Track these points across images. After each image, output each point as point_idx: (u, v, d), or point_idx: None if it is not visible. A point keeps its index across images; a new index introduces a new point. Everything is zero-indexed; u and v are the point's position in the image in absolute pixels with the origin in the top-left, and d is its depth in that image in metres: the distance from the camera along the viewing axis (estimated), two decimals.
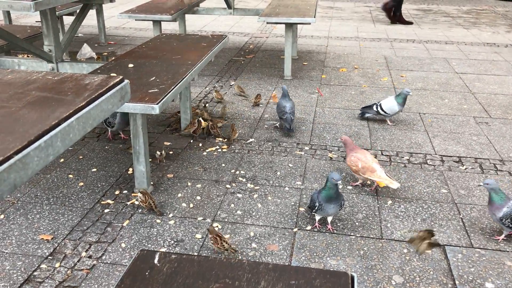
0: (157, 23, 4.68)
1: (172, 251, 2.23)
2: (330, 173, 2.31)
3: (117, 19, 7.03)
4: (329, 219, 2.42)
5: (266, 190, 2.76)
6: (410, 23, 7.66)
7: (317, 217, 2.42)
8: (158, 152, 3.04)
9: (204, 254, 2.24)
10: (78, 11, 4.38)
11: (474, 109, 4.05)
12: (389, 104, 3.59)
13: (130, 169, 2.96)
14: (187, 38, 3.82)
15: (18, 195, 2.69)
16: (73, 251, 2.23)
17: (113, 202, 2.63)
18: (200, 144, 3.32)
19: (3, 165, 0.79)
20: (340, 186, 2.32)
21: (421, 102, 4.18)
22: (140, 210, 2.55)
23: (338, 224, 2.47)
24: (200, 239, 2.32)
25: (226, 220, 2.48)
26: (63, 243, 2.28)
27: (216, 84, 4.61)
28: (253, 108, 4.01)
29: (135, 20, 4.77)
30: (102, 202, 2.62)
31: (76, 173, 2.93)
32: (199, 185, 2.80)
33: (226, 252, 2.23)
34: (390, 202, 2.66)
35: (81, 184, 2.80)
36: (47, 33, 3.39)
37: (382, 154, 3.22)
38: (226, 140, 3.37)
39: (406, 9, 8.78)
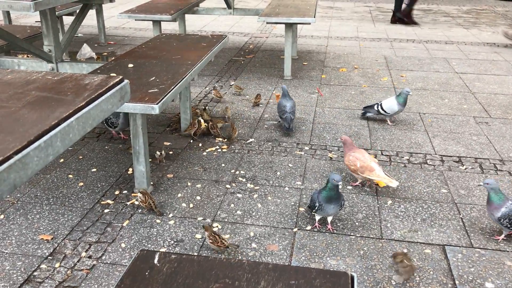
0: (157, 23, 4.68)
1: (172, 251, 2.23)
2: (331, 174, 2.31)
3: (117, 19, 7.03)
4: (329, 219, 2.42)
5: (266, 190, 2.76)
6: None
7: (317, 217, 2.42)
8: (158, 152, 3.04)
9: (204, 254, 2.23)
10: (77, 11, 4.38)
11: (474, 109, 4.05)
12: (389, 104, 3.59)
13: (130, 169, 2.95)
14: (187, 38, 3.82)
15: (18, 195, 2.69)
16: (73, 251, 2.23)
17: (113, 202, 2.62)
18: (200, 144, 3.32)
19: (3, 165, 0.79)
20: (340, 187, 2.32)
21: (421, 102, 4.18)
22: (140, 210, 2.55)
23: (338, 224, 2.47)
24: (200, 239, 2.32)
25: (226, 220, 2.48)
26: (63, 243, 2.28)
27: (216, 84, 4.61)
28: (253, 108, 4.01)
29: (135, 20, 4.77)
30: (102, 202, 2.62)
31: (76, 173, 2.93)
32: (199, 185, 2.80)
33: (227, 250, 2.23)
34: (390, 202, 2.66)
35: (81, 184, 2.80)
36: (47, 33, 3.39)
37: (382, 154, 3.22)
38: (226, 140, 3.37)
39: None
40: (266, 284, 1.18)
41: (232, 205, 2.61)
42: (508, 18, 8.29)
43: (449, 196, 2.73)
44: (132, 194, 2.69)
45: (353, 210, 2.59)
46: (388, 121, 3.72)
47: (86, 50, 5.10)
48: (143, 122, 2.56)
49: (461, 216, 2.55)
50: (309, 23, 5.41)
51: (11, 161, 0.81)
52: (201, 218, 2.49)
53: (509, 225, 2.27)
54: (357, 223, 2.47)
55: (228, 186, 2.80)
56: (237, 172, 2.95)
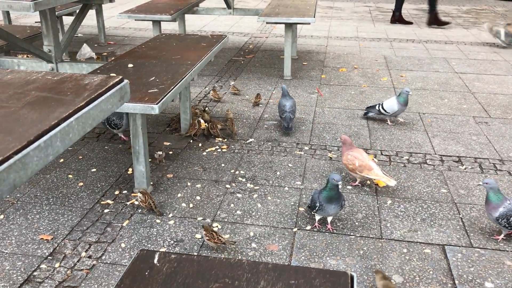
0: (156, 23, 4.69)
1: (171, 251, 2.24)
2: (331, 174, 2.31)
3: (116, 19, 7.03)
4: (329, 219, 2.42)
5: (265, 190, 2.76)
6: (410, 23, 7.66)
7: (317, 217, 2.42)
8: (158, 152, 3.04)
9: (204, 254, 2.24)
10: (77, 11, 4.38)
11: (473, 109, 4.05)
12: (390, 104, 3.60)
13: (130, 169, 2.96)
14: (187, 38, 3.82)
15: (18, 195, 2.69)
16: (73, 251, 2.23)
17: (112, 202, 2.63)
18: (200, 144, 3.32)
19: (2, 165, 0.79)
20: (340, 187, 2.32)
21: (421, 102, 4.18)
22: (139, 210, 2.55)
23: (338, 224, 2.47)
24: (200, 239, 2.32)
25: (225, 220, 2.48)
26: (63, 243, 2.28)
27: (216, 84, 4.61)
28: (253, 108, 4.01)
29: (135, 20, 4.77)
30: (102, 202, 2.62)
31: (76, 173, 2.93)
32: (198, 185, 2.80)
33: (224, 246, 2.24)
34: (389, 202, 2.67)
35: (81, 184, 2.80)
36: (47, 33, 3.39)
37: (382, 154, 3.22)
38: (225, 140, 3.37)
39: (406, 9, 8.78)
40: (266, 283, 1.18)
41: (232, 205, 2.61)
42: (507, 17, 8.29)
43: (449, 196, 2.73)
44: (132, 194, 2.70)
45: (352, 210, 2.59)
46: (388, 121, 3.72)
47: (86, 50, 5.10)
48: (143, 122, 2.56)
49: (460, 216, 2.55)
50: (309, 23, 5.42)
51: (11, 161, 0.81)
52: (201, 218, 2.49)
53: (507, 225, 2.27)
54: (357, 223, 2.47)
55: (228, 186, 2.80)
56: (237, 172, 2.95)
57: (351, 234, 2.39)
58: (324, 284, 1.18)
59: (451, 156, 3.20)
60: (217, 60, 5.41)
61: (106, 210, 2.55)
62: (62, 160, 3.09)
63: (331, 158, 3.16)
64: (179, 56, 3.22)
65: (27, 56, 4.73)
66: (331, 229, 2.41)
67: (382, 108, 3.61)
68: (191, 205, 2.60)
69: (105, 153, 3.19)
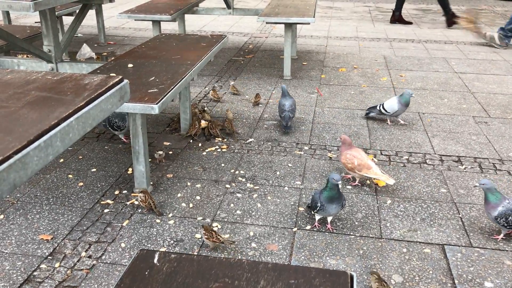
0: (156, 23, 4.69)
1: (171, 251, 2.24)
2: (330, 174, 2.31)
3: (116, 19, 7.03)
4: (329, 218, 2.42)
5: (265, 190, 2.76)
6: (410, 23, 7.67)
7: (317, 217, 2.43)
8: (159, 152, 3.04)
9: (204, 254, 2.24)
10: (77, 11, 4.38)
11: (473, 108, 4.05)
12: (390, 103, 3.60)
13: (130, 169, 2.96)
14: (187, 38, 3.83)
15: (18, 195, 2.69)
16: (72, 251, 2.23)
17: (112, 202, 2.63)
18: (200, 144, 3.32)
19: (2, 164, 0.79)
20: (340, 186, 2.33)
21: (421, 102, 4.18)
22: (139, 210, 2.55)
23: (338, 223, 2.47)
24: (200, 239, 2.32)
25: (225, 220, 2.48)
26: (62, 243, 2.28)
27: (216, 84, 4.61)
28: (252, 107, 4.01)
29: (135, 20, 4.77)
30: (102, 202, 2.62)
31: (76, 173, 2.93)
32: (198, 185, 2.80)
33: (222, 245, 2.24)
34: (389, 201, 2.67)
35: (81, 184, 2.80)
36: (47, 33, 3.39)
37: (382, 154, 3.22)
38: (225, 140, 3.37)
39: (406, 9, 8.78)
40: (265, 283, 1.18)
41: (232, 205, 2.62)
42: (507, 17, 8.28)
43: (449, 196, 2.73)
44: (132, 194, 2.70)
45: (352, 209, 2.59)
46: (388, 121, 3.72)
47: (86, 50, 5.10)
48: (142, 122, 2.56)
49: (460, 215, 2.55)
50: (309, 23, 5.42)
51: (11, 160, 0.81)
52: (201, 218, 2.50)
53: (505, 224, 2.28)
54: (356, 223, 2.47)
55: (227, 186, 2.80)
56: (237, 172, 2.95)
57: (351, 233, 2.39)
58: (324, 283, 1.18)
59: (451, 156, 3.21)
60: (217, 60, 5.41)
61: (106, 210, 2.55)
62: (62, 160, 3.09)
63: (330, 158, 3.16)
64: (179, 56, 3.22)
65: (27, 56, 4.73)
66: (331, 229, 2.41)
67: (383, 108, 3.62)
68: (191, 205, 2.61)
69: (105, 153, 3.19)
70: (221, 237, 2.22)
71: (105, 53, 5.53)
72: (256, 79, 4.77)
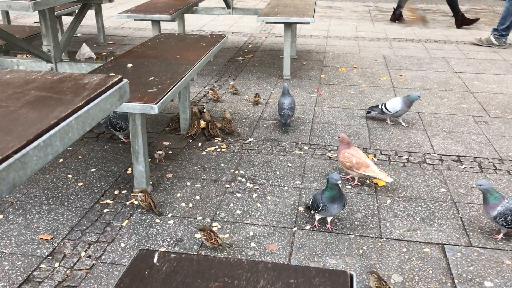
0: (156, 23, 4.68)
1: (171, 251, 2.24)
2: (330, 174, 2.31)
3: (116, 19, 7.03)
4: (329, 218, 2.42)
5: (265, 190, 2.76)
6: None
7: (317, 217, 2.42)
8: (158, 152, 3.04)
9: (203, 254, 2.24)
10: (76, 11, 4.38)
11: (473, 108, 4.05)
12: (393, 103, 3.58)
13: (129, 169, 2.96)
14: (186, 38, 3.82)
15: (17, 195, 2.69)
16: (72, 251, 2.23)
17: (112, 202, 2.63)
18: (199, 144, 3.32)
19: (2, 164, 0.79)
20: (339, 186, 2.32)
21: (420, 102, 4.18)
22: (139, 210, 2.55)
23: (337, 223, 2.47)
24: (199, 239, 2.32)
25: (225, 219, 2.48)
26: (62, 243, 2.28)
27: (215, 83, 4.61)
28: (252, 107, 4.01)
29: (134, 20, 4.77)
30: (101, 202, 2.62)
31: (75, 173, 2.93)
32: (198, 185, 2.80)
33: (220, 247, 2.24)
34: (389, 201, 2.67)
35: (80, 184, 2.80)
36: (46, 33, 3.39)
37: (381, 154, 3.22)
38: (225, 140, 3.37)
39: (405, 9, 8.77)
40: (265, 283, 1.18)
41: (232, 205, 2.61)
42: None
43: (448, 195, 2.73)
44: (132, 194, 2.70)
45: (352, 209, 2.59)
46: (388, 120, 3.72)
47: (85, 50, 5.10)
48: (142, 122, 2.56)
49: (460, 215, 2.55)
50: (308, 23, 5.40)
51: (11, 160, 0.81)
52: (201, 217, 2.49)
53: (505, 224, 2.28)
54: (356, 223, 2.47)
55: (227, 185, 2.80)
56: (237, 172, 2.95)
57: (351, 233, 2.39)
58: (324, 283, 1.18)
59: (451, 155, 3.21)
60: (217, 60, 5.41)
61: (105, 210, 2.55)
62: (61, 160, 3.09)
63: (330, 157, 3.16)
64: (178, 56, 3.22)
65: (26, 56, 4.73)
66: (330, 229, 2.41)
67: (385, 107, 3.60)
68: (190, 205, 2.60)
69: (105, 153, 3.19)
70: (219, 239, 2.21)
71: (104, 53, 5.53)
72: (255, 78, 4.76)
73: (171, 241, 2.31)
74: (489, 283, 2.06)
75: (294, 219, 2.49)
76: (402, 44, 6.31)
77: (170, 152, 3.20)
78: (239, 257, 2.21)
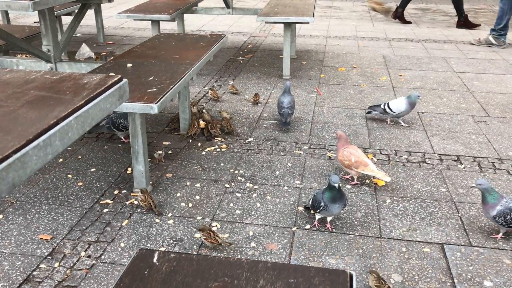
0: (155, 22, 4.68)
1: (171, 250, 2.24)
2: (329, 176, 2.32)
3: (115, 19, 7.03)
4: (329, 218, 2.42)
5: (265, 190, 2.76)
6: (409, 22, 7.67)
7: (317, 216, 2.43)
8: (158, 152, 3.04)
9: (203, 253, 2.24)
10: (76, 11, 4.38)
11: (472, 108, 4.05)
12: (397, 103, 3.56)
13: (129, 169, 2.96)
14: (186, 37, 3.82)
15: (17, 195, 2.69)
16: (72, 251, 2.23)
17: (112, 202, 2.63)
18: (199, 144, 3.32)
19: (1, 164, 0.79)
20: (337, 188, 2.32)
21: (420, 101, 4.18)
22: (139, 210, 2.55)
23: (337, 223, 2.47)
24: (199, 239, 2.32)
25: (225, 219, 2.48)
26: (62, 243, 2.28)
27: (215, 83, 4.61)
28: (252, 107, 4.01)
29: (134, 20, 4.77)
30: (101, 202, 2.62)
31: (75, 173, 2.93)
32: (198, 185, 2.80)
33: (220, 246, 2.24)
34: (388, 201, 2.67)
35: (80, 184, 2.80)
36: (46, 33, 3.39)
37: (381, 153, 3.22)
38: (225, 139, 3.38)
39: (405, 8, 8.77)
40: (265, 282, 1.18)
41: (231, 205, 2.61)
42: None
43: (448, 195, 2.73)
44: (131, 194, 2.70)
45: (352, 209, 2.59)
46: (388, 120, 3.72)
47: (85, 50, 5.10)
48: (142, 122, 2.56)
49: (459, 214, 2.55)
50: (308, 23, 5.42)
51: (10, 160, 0.81)
52: (200, 217, 2.50)
53: (504, 223, 2.28)
54: (356, 222, 2.47)
55: (227, 185, 2.80)
56: (236, 172, 2.95)
57: (350, 233, 2.39)
58: (323, 282, 1.18)
59: (450, 155, 3.21)
60: (216, 60, 5.41)
61: (105, 210, 2.55)
62: (61, 160, 3.09)
63: (330, 157, 3.16)
64: (178, 56, 3.22)
65: (26, 56, 4.73)
66: (330, 228, 2.41)
67: (388, 107, 3.59)
68: (190, 205, 2.60)
69: (104, 152, 3.19)
70: (219, 238, 2.22)
71: (104, 53, 5.53)
72: (255, 78, 4.77)
73: (171, 241, 2.31)
74: (489, 283, 2.07)
75: (294, 219, 2.49)
76: (401, 44, 6.31)
77: (169, 152, 3.20)
78: (239, 256, 2.21)
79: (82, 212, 2.52)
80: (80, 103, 1.05)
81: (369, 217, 2.52)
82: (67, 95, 1.10)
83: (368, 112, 3.76)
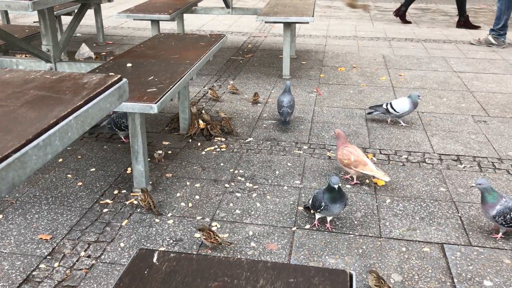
0: (155, 22, 4.68)
1: (170, 250, 2.23)
2: (329, 177, 2.32)
3: (115, 18, 7.03)
4: (329, 218, 2.42)
5: (265, 189, 2.76)
6: (409, 22, 7.67)
7: (317, 216, 2.43)
8: (158, 151, 3.04)
9: (203, 253, 2.24)
10: (76, 10, 4.38)
11: (472, 107, 4.05)
12: (401, 103, 3.55)
13: (129, 169, 2.95)
14: (186, 37, 3.82)
15: (17, 195, 2.69)
16: (72, 251, 2.23)
17: (112, 201, 2.62)
18: (199, 144, 3.32)
19: (1, 163, 0.79)
20: (337, 189, 2.32)
21: (420, 101, 4.17)
22: (139, 210, 2.55)
23: (337, 222, 2.47)
24: (199, 238, 2.32)
25: (225, 219, 2.48)
26: (62, 243, 2.28)
27: (215, 83, 4.61)
28: (251, 107, 4.01)
29: (133, 19, 4.77)
30: (101, 202, 2.62)
31: (75, 172, 2.93)
32: (197, 185, 2.80)
33: (220, 246, 2.24)
34: (388, 200, 2.67)
35: (80, 184, 2.80)
36: (45, 32, 3.39)
37: (381, 153, 3.22)
38: (225, 140, 3.37)
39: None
40: (265, 282, 1.18)
41: (231, 204, 2.61)
42: None
43: (448, 195, 2.73)
44: (131, 194, 2.69)
45: (351, 209, 2.59)
46: (389, 120, 3.71)
47: (85, 50, 5.10)
48: (141, 122, 2.56)
49: (459, 214, 2.55)
50: (308, 22, 5.41)
51: (10, 159, 0.81)
52: (200, 217, 2.49)
53: (504, 223, 2.28)
54: (355, 222, 2.47)
55: (227, 185, 2.80)
56: (236, 172, 2.95)
57: (350, 233, 2.39)
58: (323, 282, 1.18)
59: (450, 155, 3.21)
60: (216, 60, 5.40)
61: (105, 210, 2.54)
62: (61, 159, 3.08)
63: (330, 157, 3.16)
64: (177, 56, 3.22)
65: (26, 56, 4.73)
66: (330, 228, 2.41)
67: (392, 107, 3.58)
68: (190, 205, 2.60)
69: (104, 152, 3.19)
70: (219, 237, 2.22)
71: (103, 53, 5.53)
72: (255, 78, 4.76)
73: (171, 241, 2.31)
74: (489, 282, 2.07)
75: (294, 219, 2.49)
76: (401, 43, 6.31)
77: (169, 152, 3.20)
78: (239, 256, 2.21)
79: (82, 212, 2.52)
80: (79, 103, 1.05)
81: (369, 217, 2.52)
82: (67, 94, 1.10)
83: (369, 113, 3.74)
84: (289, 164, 3.05)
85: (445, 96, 4.33)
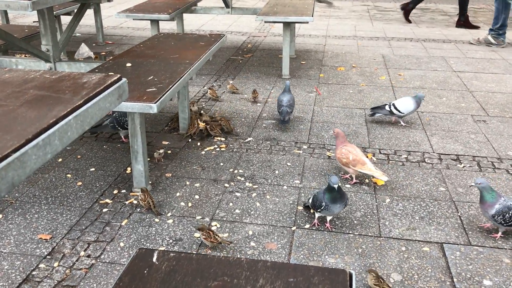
0: (155, 22, 4.68)
1: (170, 250, 2.23)
2: (329, 177, 2.32)
3: (114, 18, 7.03)
4: (329, 217, 2.42)
5: (264, 189, 2.76)
6: (409, 22, 7.67)
7: (317, 215, 2.43)
8: (158, 151, 3.04)
9: (203, 253, 2.24)
10: (75, 10, 4.38)
11: (472, 107, 4.06)
12: (405, 104, 3.53)
13: (129, 169, 2.95)
14: (185, 37, 3.82)
15: (17, 194, 2.68)
16: (71, 251, 2.23)
17: (111, 201, 2.62)
18: (199, 143, 3.32)
19: (1, 163, 0.79)
20: (336, 189, 2.32)
21: None
22: (138, 210, 2.55)
23: (337, 222, 2.47)
24: (199, 238, 2.32)
25: (224, 219, 2.48)
26: (61, 243, 2.28)
27: (214, 83, 4.61)
28: (251, 106, 4.01)
29: (133, 19, 4.77)
30: (101, 202, 2.62)
31: (75, 172, 2.93)
32: (197, 184, 2.80)
33: (220, 246, 2.24)
34: (388, 200, 2.67)
35: (80, 183, 2.80)
36: (45, 32, 3.39)
37: (380, 153, 3.22)
38: (224, 139, 3.37)
39: None
40: (264, 282, 1.18)
41: (231, 204, 2.61)
42: None
43: (447, 194, 2.73)
44: (131, 193, 2.69)
45: (351, 208, 2.59)
46: (393, 119, 3.69)
47: (84, 50, 5.10)
48: (141, 121, 2.56)
49: (459, 214, 2.55)
50: (307, 22, 5.41)
51: (9, 159, 0.81)
52: (200, 217, 2.49)
53: (503, 222, 2.28)
54: (355, 221, 2.47)
55: (226, 185, 2.80)
56: (236, 171, 2.95)
57: (350, 232, 2.39)
58: (323, 282, 1.18)
59: (450, 154, 3.21)
60: (216, 59, 5.40)
61: (105, 210, 2.54)
62: (60, 159, 3.08)
63: (329, 157, 3.16)
64: (177, 55, 3.22)
65: (25, 56, 4.73)
66: (329, 228, 2.41)
67: (395, 108, 3.56)
68: (190, 204, 2.60)
69: (104, 152, 3.19)
70: (219, 237, 2.22)
71: (103, 53, 5.53)
72: (254, 78, 4.77)
73: (170, 240, 2.31)
74: (488, 282, 2.07)
75: (293, 218, 2.50)
76: (401, 43, 6.31)
77: (169, 152, 3.20)
78: (238, 256, 2.21)
79: (81, 212, 2.52)
80: (79, 103, 1.05)
81: (369, 216, 2.52)
82: (66, 94, 1.10)
83: (371, 115, 3.71)
84: (288, 164, 3.05)
85: (445, 95, 4.33)
